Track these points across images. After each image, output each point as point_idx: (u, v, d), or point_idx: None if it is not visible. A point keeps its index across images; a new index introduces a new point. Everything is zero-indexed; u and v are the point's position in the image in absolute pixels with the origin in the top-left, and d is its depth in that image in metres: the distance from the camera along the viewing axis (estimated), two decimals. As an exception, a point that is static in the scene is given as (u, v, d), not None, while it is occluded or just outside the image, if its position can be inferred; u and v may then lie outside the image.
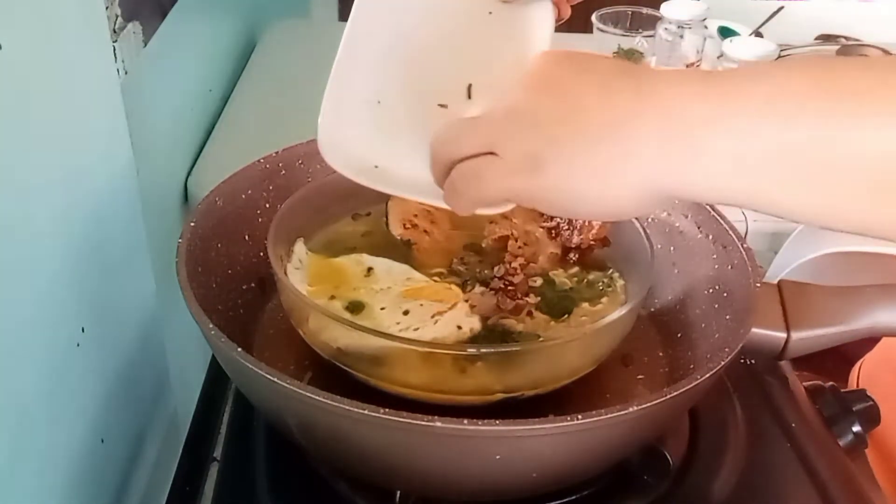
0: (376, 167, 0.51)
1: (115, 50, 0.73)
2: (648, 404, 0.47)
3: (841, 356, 1.12)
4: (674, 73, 0.41)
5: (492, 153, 0.43)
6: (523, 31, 0.52)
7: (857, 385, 0.84)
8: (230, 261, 0.64)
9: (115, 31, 0.77)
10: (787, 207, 0.39)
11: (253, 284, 0.66)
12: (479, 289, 0.60)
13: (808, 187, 0.38)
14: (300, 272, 0.61)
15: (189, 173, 1.07)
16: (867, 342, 1.13)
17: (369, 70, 0.52)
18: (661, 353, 0.64)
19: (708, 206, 0.65)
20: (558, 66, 0.44)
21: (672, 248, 0.67)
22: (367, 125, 0.52)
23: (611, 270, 0.64)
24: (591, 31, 1.39)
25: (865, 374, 0.82)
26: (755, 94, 0.38)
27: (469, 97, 0.52)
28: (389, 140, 0.52)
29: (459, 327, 0.57)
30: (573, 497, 0.56)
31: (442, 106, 0.51)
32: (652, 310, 0.67)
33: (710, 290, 0.63)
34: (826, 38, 1.47)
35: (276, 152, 0.69)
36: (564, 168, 0.41)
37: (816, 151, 0.37)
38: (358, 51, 0.52)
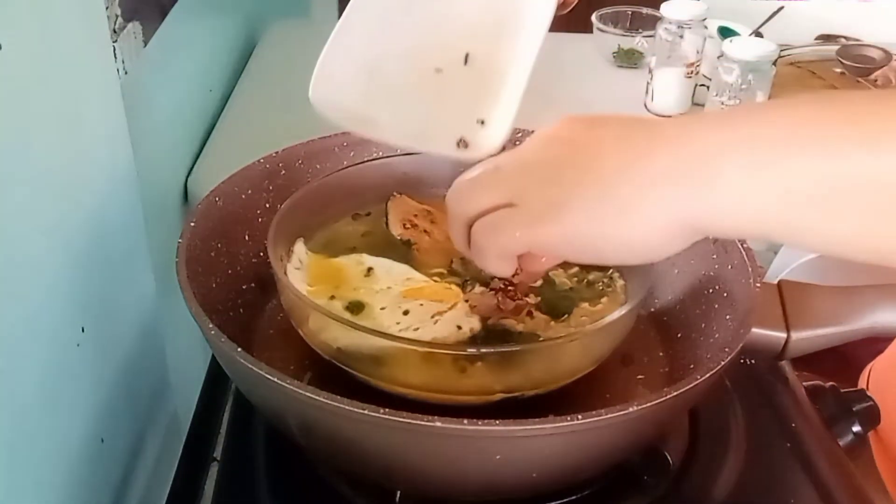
0: (365, 117, 0.52)
1: (115, 50, 0.73)
2: (648, 404, 0.47)
3: (841, 356, 1.12)
4: (687, 115, 0.42)
5: (509, 205, 0.43)
6: (526, 4, 0.53)
7: (868, 389, 0.84)
8: (230, 261, 0.64)
9: (115, 31, 0.77)
10: (812, 239, 0.39)
11: (253, 284, 0.66)
12: (479, 289, 0.60)
13: (829, 216, 0.37)
14: (300, 272, 0.61)
15: (189, 173, 1.08)
16: (870, 343, 1.13)
17: (370, 31, 0.53)
18: (661, 353, 0.64)
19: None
20: (571, 124, 0.44)
21: (672, 248, 0.67)
22: (362, 81, 0.53)
23: (611, 270, 0.64)
24: (591, 31, 1.39)
25: (875, 377, 0.82)
26: (767, 122, 0.38)
27: (465, 64, 0.52)
28: (383, 96, 0.53)
29: (459, 327, 0.57)
30: (573, 497, 0.56)
31: (438, 70, 0.52)
32: (652, 310, 0.67)
33: (710, 290, 0.63)
34: (826, 38, 1.48)
35: (276, 152, 0.69)
36: (585, 212, 0.41)
37: (830, 180, 0.37)
38: (361, 12, 0.53)
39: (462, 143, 0.52)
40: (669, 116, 1.19)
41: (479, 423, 0.44)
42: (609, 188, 0.41)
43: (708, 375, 0.50)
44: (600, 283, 0.62)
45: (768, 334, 0.58)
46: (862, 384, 0.83)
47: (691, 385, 0.49)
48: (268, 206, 0.67)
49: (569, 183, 0.42)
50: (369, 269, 0.61)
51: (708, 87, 1.17)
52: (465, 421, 0.44)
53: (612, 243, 0.42)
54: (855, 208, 0.37)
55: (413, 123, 0.49)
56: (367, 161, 0.71)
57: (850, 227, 0.38)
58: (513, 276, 0.60)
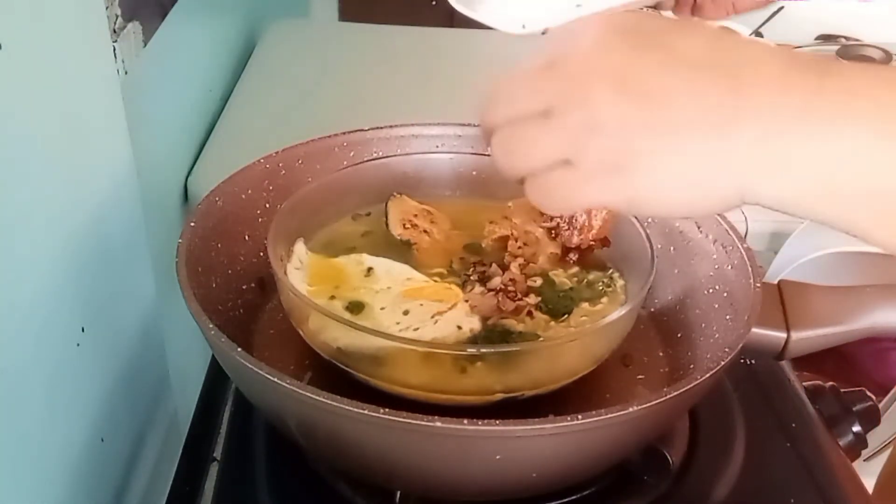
0: None
1: (115, 50, 0.73)
2: (648, 404, 0.47)
3: (841, 356, 1.13)
4: (776, 62, 0.37)
5: (566, 161, 0.40)
6: None
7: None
8: (230, 261, 0.64)
9: (115, 31, 0.77)
10: (881, 241, 0.37)
11: (253, 284, 0.66)
12: (478, 289, 0.60)
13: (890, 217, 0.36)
14: (300, 272, 0.61)
15: (189, 173, 1.08)
16: (870, 343, 1.13)
17: None
18: (661, 353, 0.64)
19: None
20: (633, 55, 0.39)
21: (672, 248, 0.67)
22: None
23: (611, 270, 0.64)
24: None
25: None
26: (868, 110, 0.35)
27: None
28: None
29: (459, 327, 0.57)
30: (573, 497, 0.56)
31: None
32: (652, 310, 0.67)
33: (710, 290, 0.63)
34: (826, 38, 1.48)
35: (276, 152, 0.69)
36: (653, 180, 0.39)
37: None
38: None
39: None
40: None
41: (479, 423, 0.44)
42: (679, 155, 0.38)
43: (708, 375, 0.50)
44: (600, 283, 0.62)
45: (768, 334, 0.58)
46: None
47: (691, 385, 0.49)
48: (268, 206, 0.67)
49: (634, 144, 0.38)
50: (369, 269, 0.61)
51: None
52: (465, 421, 0.44)
53: (674, 204, 0.40)
54: None
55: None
56: (367, 161, 0.71)
57: None
58: (513, 277, 0.61)
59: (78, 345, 0.59)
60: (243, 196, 0.66)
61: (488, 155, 0.45)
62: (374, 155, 0.72)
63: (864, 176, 0.36)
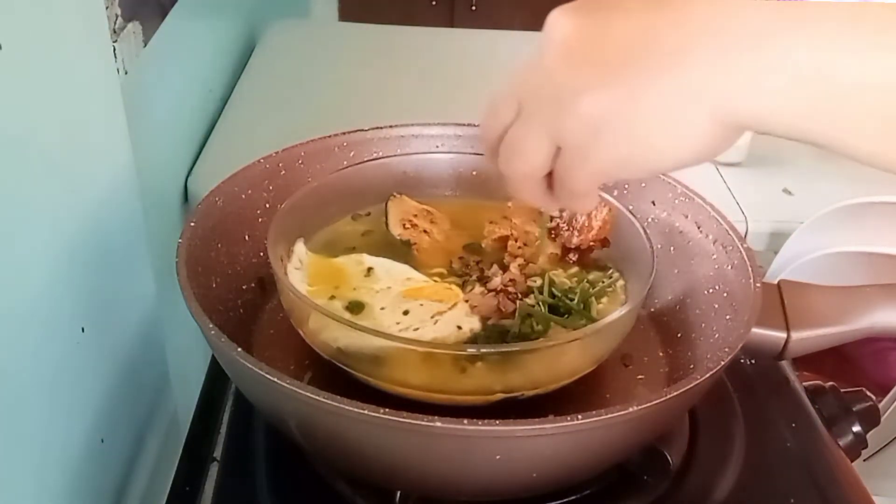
0: None
1: (115, 50, 0.73)
2: (648, 404, 0.47)
3: (841, 356, 1.13)
4: None
5: (556, 150, 0.42)
6: None
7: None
8: (230, 261, 0.64)
9: (115, 31, 0.77)
10: (855, 148, 0.37)
11: (253, 284, 0.66)
12: (478, 289, 0.60)
13: (873, 126, 0.36)
14: (300, 272, 0.61)
15: (189, 173, 1.08)
16: (870, 343, 1.13)
17: None
18: (661, 353, 0.64)
19: (708, 206, 0.65)
20: (577, 25, 0.40)
21: (672, 248, 0.67)
22: None
23: (611, 270, 0.64)
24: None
25: None
26: (833, 18, 0.36)
27: None
28: None
29: (459, 327, 0.57)
30: (573, 497, 0.56)
31: None
32: (652, 310, 0.67)
33: (710, 290, 0.63)
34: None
35: (276, 152, 0.69)
36: (631, 134, 0.39)
37: (880, 87, 0.35)
38: None
39: None
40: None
41: (479, 423, 0.44)
42: (648, 101, 0.38)
43: (708, 375, 0.50)
44: (600, 283, 0.62)
45: (768, 334, 0.58)
46: None
47: (691, 385, 0.49)
48: (268, 206, 0.67)
49: (605, 106, 0.39)
50: (369, 269, 0.61)
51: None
52: (465, 421, 0.44)
53: (665, 153, 0.40)
54: None
55: None
56: (367, 161, 0.71)
57: None
58: (513, 280, 0.60)
59: (78, 345, 0.59)
60: (243, 196, 0.66)
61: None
62: (374, 155, 0.72)
63: (831, 80, 0.35)
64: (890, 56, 0.35)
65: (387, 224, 0.67)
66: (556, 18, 0.41)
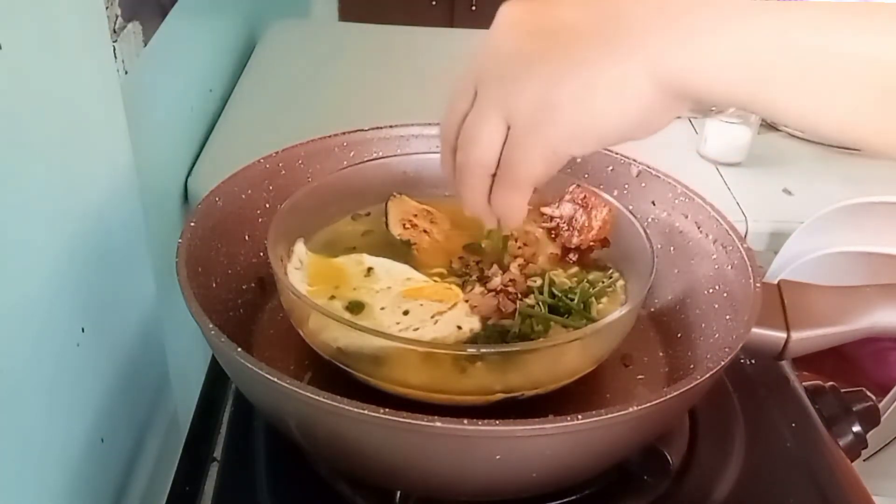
0: None
1: (115, 50, 0.73)
2: (648, 404, 0.47)
3: (841, 356, 1.13)
4: None
5: (507, 129, 0.42)
6: None
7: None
8: (230, 261, 0.64)
9: (115, 31, 0.77)
10: (783, 108, 0.38)
11: (253, 284, 0.66)
12: (478, 289, 0.60)
13: (804, 88, 0.37)
14: (300, 272, 0.61)
15: (189, 173, 1.08)
16: (870, 343, 1.13)
17: None
18: (661, 353, 0.64)
19: (708, 206, 0.65)
20: (527, 7, 0.42)
21: (672, 248, 0.67)
22: None
23: (611, 270, 0.64)
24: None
25: None
26: None
27: None
28: None
29: (459, 327, 0.57)
30: (573, 497, 0.56)
31: None
32: (652, 310, 0.67)
33: (710, 290, 0.63)
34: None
35: (276, 152, 0.69)
36: (577, 102, 0.40)
37: (807, 48, 0.36)
38: None
39: None
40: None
41: (479, 423, 0.44)
42: (592, 68, 0.40)
43: (708, 375, 0.50)
44: (600, 283, 0.62)
45: (768, 334, 0.58)
46: None
47: (691, 385, 0.49)
48: (268, 206, 0.67)
49: (555, 79, 0.40)
50: (369, 269, 0.61)
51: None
52: (465, 421, 0.44)
53: (606, 117, 0.41)
54: (847, 90, 0.36)
55: None
56: (367, 161, 0.71)
57: (840, 109, 0.37)
58: (513, 280, 0.60)
59: (78, 345, 0.59)
60: (243, 196, 0.66)
61: None
62: (374, 155, 0.72)
63: (769, 46, 0.37)
64: (810, 13, 0.37)
65: (387, 224, 0.67)
66: (506, 6, 0.43)
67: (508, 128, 0.43)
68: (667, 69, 0.39)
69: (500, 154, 0.44)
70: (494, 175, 0.46)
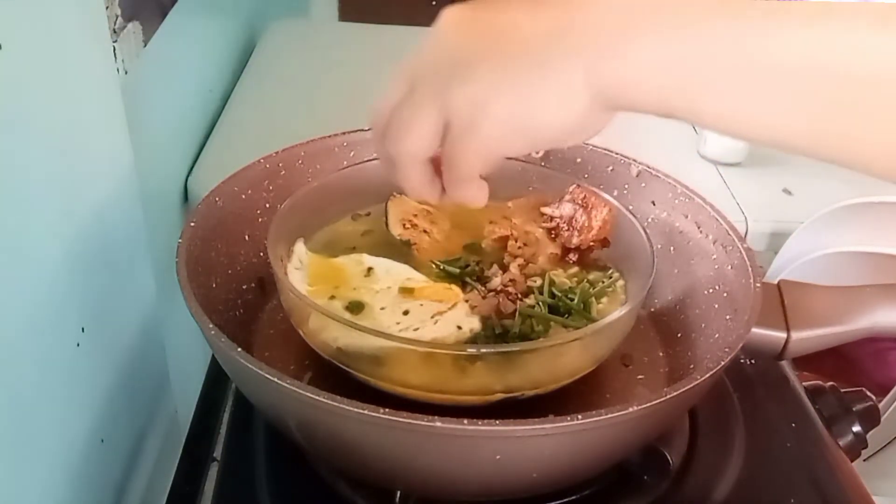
0: None
1: (115, 50, 0.73)
2: (648, 404, 0.47)
3: (841, 356, 1.13)
4: None
5: (446, 126, 0.42)
6: None
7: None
8: (230, 261, 0.64)
9: (115, 31, 0.77)
10: (710, 115, 0.39)
11: (253, 284, 0.66)
12: (479, 289, 0.60)
13: (725, 94, 0.38)
14: (300, 272, 0.61)
15: (189, 173, 1.08)
16: (870, 343, 1.13)
17: None
18: (661, 353, 0.64)
19: (708, 206, 0.65)
20: (469, 9, 0.43)
21: (672, 248, 0.67)
22: None
23: (611, 270, 0.64)
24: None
25: None
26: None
27: None
28: None
29: (459, 327, 0.57)
30: (573, 497, 0.56)
31: None
32: (652, 310, 0.67)
33: (710, 290, 0.63)
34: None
35: (276, 152, 0.69)
36: (510, 100, 0.41)
37: (729, 58, 0.37)
38: None
39: None
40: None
41: (479, 423, 0.44)
42: (533, 73, 0.40)
43: (708, 375, 0.50)
44: (600, 283, 0.62)
45: (768, 334, 0.58)
46: None
47: (691, 385, 0.49)
48: (268, 206, 0.67)
49: (495, 78, 0.41)
50: (369, 269, 0.61)
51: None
52: (465, 421, 0.44)
53: (544, 121, 0.41)
54: (788, 95, 0.37)
55: None
56: (367, 161, 0.71)
57: (783, 116, 0.37)
58: (513, 281, 0.60)
59: (78, 345, 0.59)
60: (243, 196, 0.66)
61: None
62: (374, 155, 0.72)
63: (695, 52, 0.37)
64: (740, 23, 0.37)
65: (387, 224, 0.67)
66: (451, 7, 0.43)
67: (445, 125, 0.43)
68: (599, 77, 0.39)
69: (435, 146, 0.44)
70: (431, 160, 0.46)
